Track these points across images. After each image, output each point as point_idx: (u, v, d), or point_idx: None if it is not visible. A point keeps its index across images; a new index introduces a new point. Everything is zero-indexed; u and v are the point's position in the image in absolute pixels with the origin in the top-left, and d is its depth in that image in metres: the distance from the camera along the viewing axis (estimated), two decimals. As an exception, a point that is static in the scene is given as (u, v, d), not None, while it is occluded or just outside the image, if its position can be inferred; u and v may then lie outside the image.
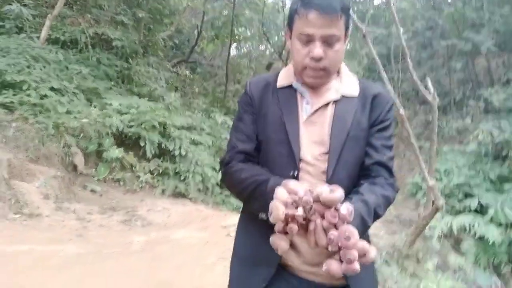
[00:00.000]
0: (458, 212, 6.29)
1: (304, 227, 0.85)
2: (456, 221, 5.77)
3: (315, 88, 1.15)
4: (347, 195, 0.99)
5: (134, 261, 2.89)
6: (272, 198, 0.87)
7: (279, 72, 1.23)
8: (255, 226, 1.08)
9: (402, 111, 4.59)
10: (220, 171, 1.21)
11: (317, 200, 0.82)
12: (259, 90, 1.19)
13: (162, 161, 6.76)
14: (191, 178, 6.70)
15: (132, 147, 6.51)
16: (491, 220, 5.86)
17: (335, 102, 1.13)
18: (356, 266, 0.79)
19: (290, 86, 1.17)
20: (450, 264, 4.84)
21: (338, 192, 0.81)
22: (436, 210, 4.13)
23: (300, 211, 0.81)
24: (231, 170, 1.14)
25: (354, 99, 1.14)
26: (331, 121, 1.11)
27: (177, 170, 6.74)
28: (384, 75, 5.03)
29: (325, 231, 0.83)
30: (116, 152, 5.91)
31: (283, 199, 0.83)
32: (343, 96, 1.14)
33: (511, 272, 5.69)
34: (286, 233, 0.84)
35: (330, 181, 1.05)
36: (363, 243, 0.81)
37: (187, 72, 13.10)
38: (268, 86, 1.19)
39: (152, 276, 2.59)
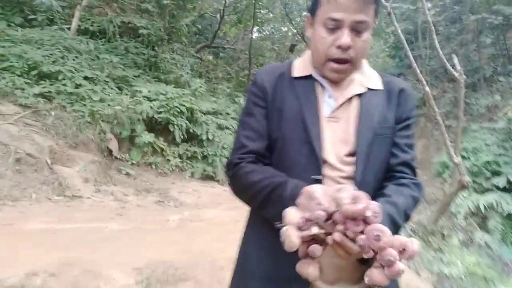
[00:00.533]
0: (486, 190, 6.23)
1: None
2: (483, 198, 5.74)
3: (336, 82, 1.03)
4: (373, 199, 0.89)
5: (172, 235, 3.14)
6: (291, 204, 0.80)
7: (291, 62, 1.09)
8: (273, 237, 0.85)
9: (428, 89, 4.58)
10: (227, 175, 1.05)
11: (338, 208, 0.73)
12: (272, 80, 1.05)
13: (190, 146, 7.02)
14: (219, 161, 6.93)
15: (162, 132, 6.77)
16: (521, 197, 5.81)
17: (360, 95, 1.02)
18: (400, 266, 0.69)
19: (308, 77, 1.03)
20: (476, 241, 4.87)
21: (362, 202, 0.71)
22: (462, 186, 4.16)
23: (315, 230, 0.71)
24: (240, 172, 0.99)
25: (379, 92, 1.04)
26: (356, 117, 0.99)
27: (204, 154, 6.99)
28: (409, 53, 5.01)
29: (353, 240, 0.73)
30: (147, 137, 6.18)
31: (294, 221, 0.73)
32: (368, 89, 1.03)
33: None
34: (306, 255, 0.74)
35: (359, 186, 0.93)
36: (398, 238, 0.71)
37: (210, 57, 13.26)
38: (283, 76, 1.05)
39: (190, 247, 2.82)
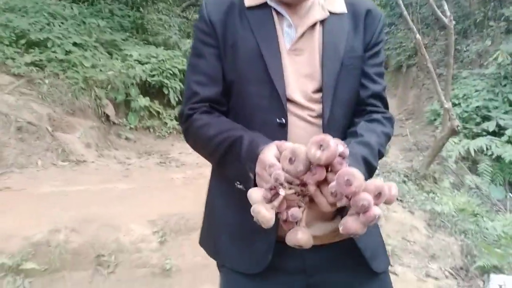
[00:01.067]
0: (476, 135, 6.43)
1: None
2: (474, 143, 5.95)
3: (294, 6, 0.89)
4: (344, 139, 0.87)
5: (179, 191, 3.30)
6: (250, 162, 0.75)
7: None
8: (236, 192, 0.82)
9: (419, 36, 4.63)
10: (181, 128, 0.97)
11: (308, 165, 0.66)
12: (221, 12, 0.90)
13: (185, 107, 7.08)
14: (215, 121, 7.01)
15: (157, 95, 6.78)
16: (509, 140, 6.03)
17: (322, 22, 0.90)
18: (375, 211, 0.62)
19: (263, 5, 0.90)
20: (466, 184, 5.12)
21: (330, 147, 0.63)
22: (452, 131, 4.32)
23: (282, 192, 0.65)
24: (193, 126, 0.89)
25: (343, 17, 0.92)
26: (320, 48, 0.89)
27: (200, 115, 7.06)
28: (400, 1, 5.00)
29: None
30: (142, 101, 6.21)
31: (259, 198, 0.66)
32: (330, 14, 0.91)
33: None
34: (288, 221, 0.69)
35: (327, 125, 0.87)
36: (373, 182, 0.64)
37: (197, 16, 12.92)
38: (233, 7, 0.91)
39: (198, 200, 2.95)
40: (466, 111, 6.71)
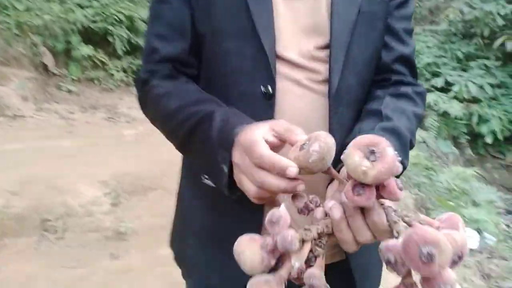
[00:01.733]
0: (426, 91, 6.66)
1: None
2: (423, 99, 6.16)
3: None
4: (360, 120, 0.65)
5: (132, 149, 3.09)
6: (223, 149, 0.51)
7: None
8: (208, 188, 0.63)
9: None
10: (137, 96, 0.74)
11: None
12: None
13: (134, 59, 6.60)
14: (167, 73, 6.65)
15: (101, 44, 6.24)
16: (455, 96, 6.30)
17: None
18: None
19: None
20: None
21: (387, 157, 0.39)
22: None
23: (297, 263, 0.39)
24: (151, 95, 0.67)
25: None
26: None
27: (151, 67, 6.65)
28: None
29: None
30: (85, 49, 5.69)
31: (257, 266, 0.40)
32: None
33: (467, 142, 6.33)
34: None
35: (336, 96, 0.63)
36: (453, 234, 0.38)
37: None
38: None
39: (154, 158, 2.81)
40: (417, 68, 6.87)
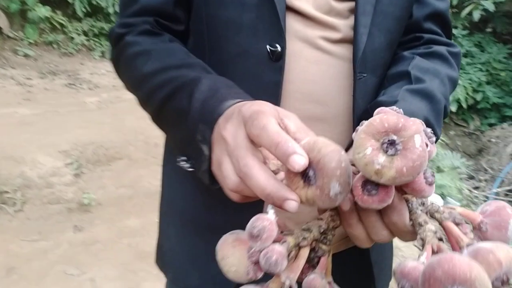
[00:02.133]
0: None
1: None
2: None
3: None
4: (383, 87, 0.55)
5: (94, 116, 2.94)
6: (205, 125, 0.40)
7: None
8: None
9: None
10: (110, 55, 0.62)
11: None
12: None
13: (95, 21, 6.23)
14: (132, 37, 6.35)
15: (60, 5, 5.85)
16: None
17: None
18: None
19: None
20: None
21: (415, 149, 0.28)
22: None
23: (287, 281, 0.31)
24: (126, 53, 0.54)
25: None
26: None
27: (114, 30, 6.31)
28: None
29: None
30: (42, 10, 5.30)
31: (243, 273, 0.32)
32: None
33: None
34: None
35: (363, 60, 0.52)
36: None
37: None
38: None
39: (118, 127, 2.69)
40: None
